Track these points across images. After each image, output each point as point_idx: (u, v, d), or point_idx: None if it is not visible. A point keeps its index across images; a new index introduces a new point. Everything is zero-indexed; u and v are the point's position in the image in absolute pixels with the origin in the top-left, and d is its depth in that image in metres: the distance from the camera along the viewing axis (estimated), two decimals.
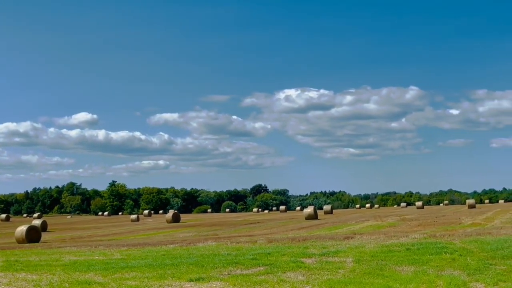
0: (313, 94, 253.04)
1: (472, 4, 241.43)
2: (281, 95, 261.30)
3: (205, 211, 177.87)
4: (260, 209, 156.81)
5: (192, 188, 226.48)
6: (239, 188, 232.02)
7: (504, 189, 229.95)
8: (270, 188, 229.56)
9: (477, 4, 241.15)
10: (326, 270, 14.12)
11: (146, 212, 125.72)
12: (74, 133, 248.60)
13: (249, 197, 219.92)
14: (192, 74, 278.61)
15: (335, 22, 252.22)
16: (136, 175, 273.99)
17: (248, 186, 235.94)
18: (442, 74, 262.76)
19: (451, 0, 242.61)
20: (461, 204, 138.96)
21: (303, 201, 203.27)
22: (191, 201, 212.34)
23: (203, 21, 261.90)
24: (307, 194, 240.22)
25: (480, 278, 12.33)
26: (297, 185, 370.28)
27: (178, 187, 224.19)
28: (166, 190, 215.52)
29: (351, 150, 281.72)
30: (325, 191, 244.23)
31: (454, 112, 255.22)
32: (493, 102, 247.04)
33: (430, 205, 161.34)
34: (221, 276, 13.64)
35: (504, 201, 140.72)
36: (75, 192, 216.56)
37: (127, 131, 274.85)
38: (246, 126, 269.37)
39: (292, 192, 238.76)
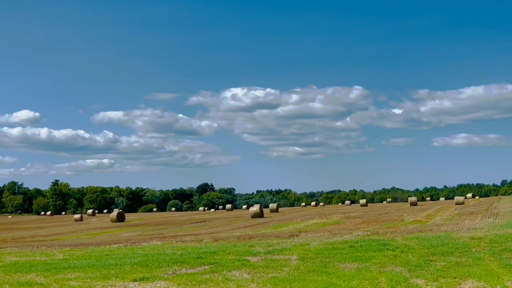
0: (259, 93, 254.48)
1: (413, 6, 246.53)
2: (228, 93, 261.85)
3: (151, 210, 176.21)
4: (206, 208, 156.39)
5: (138, 187, 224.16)
6: (185, 187, 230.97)
7: (445, 186, 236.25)
8: (217, 186, 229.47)
9: (418, 6, 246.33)
10: (271, 268, 14.19)
11: (90, 211, 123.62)
12: (15, 131, 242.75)
13: (195, 196, 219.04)
14: (137, 72, 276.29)
15: (281, 21, 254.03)
16: (79, 174, 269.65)
17: (194, 185, 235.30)
18: (386, 74, 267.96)
19: (394, 1, 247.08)
20: (404, 201, 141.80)
21: (250, 200, 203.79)
22: (136, 200, 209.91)
23: (148, 18, 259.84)
24: (253, 193, 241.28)
25: (420, 274, 12.62)
26: (244, 183, 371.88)
27: (123, 186, 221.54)
28: (111, 189, 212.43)
29: (297, 148, 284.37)
30: (271, 190, 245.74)
31: (397, 111, 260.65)
32: (435, 102, 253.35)
33: (374, 202, 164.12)
34: (165, 275, 13.55)
35: (445, 199, 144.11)
36: (16, 191, 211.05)
37: (71, 129, 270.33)
38: (192, 125, 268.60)
39: (238, 190, 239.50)
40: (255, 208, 63.28)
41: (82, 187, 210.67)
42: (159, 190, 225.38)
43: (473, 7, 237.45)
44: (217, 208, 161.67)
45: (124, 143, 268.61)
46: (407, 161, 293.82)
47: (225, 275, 13.27)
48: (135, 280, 12.90)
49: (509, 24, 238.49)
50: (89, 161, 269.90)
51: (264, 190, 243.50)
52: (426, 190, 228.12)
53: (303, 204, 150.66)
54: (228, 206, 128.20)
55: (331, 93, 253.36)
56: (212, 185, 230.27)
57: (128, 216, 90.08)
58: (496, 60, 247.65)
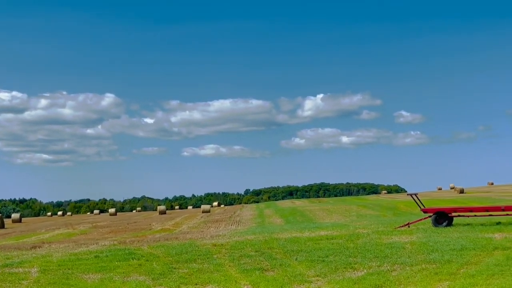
0: (4, 95, 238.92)
1: (165, 16, 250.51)
2: None
3: None
4: None
5: None
6: None
7: (193, 195, 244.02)
8: None
9: (170, 17, 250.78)
10: (8, 282, 13.36)
11: None
12: None
13: None
14: None
15: (30, 22, 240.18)
16: None
17: None
18: (138, 84, 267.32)
19: (146, 10, 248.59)
20: (153, 210, 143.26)
21: None
22: None
23: None
24: None
25: (163, 282, 12.84)
26: None
27: None
28: None
29: (44, 155, 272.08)
30: (15, 199, 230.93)
31: (149, 121, 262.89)
32: (185, 113, 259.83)
33: (124, 211, 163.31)
34: None
35: (193, 207, 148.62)
36: None
37: None
38: None
39: None
40: None
41: None
42: None
43: (228, 23, 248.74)
44: None
45: None
46: (158, 170, 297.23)
47: None
48: None
49: (257, 41, 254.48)
50: None
51: (7, 199, 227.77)
52: (176, 198, 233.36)
53: (49, 213, 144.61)
54: None
55: (83, 100, 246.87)
56: None
57: None
58: (242, 74, 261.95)
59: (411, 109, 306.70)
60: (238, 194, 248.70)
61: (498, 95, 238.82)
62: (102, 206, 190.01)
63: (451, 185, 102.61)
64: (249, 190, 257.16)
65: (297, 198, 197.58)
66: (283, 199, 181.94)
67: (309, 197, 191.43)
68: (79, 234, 38.05)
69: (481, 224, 21.77)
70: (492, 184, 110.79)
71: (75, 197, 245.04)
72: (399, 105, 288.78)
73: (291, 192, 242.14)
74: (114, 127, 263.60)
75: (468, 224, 22.17)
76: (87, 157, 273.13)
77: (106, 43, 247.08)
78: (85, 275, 14.28)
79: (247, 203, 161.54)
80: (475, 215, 23.06)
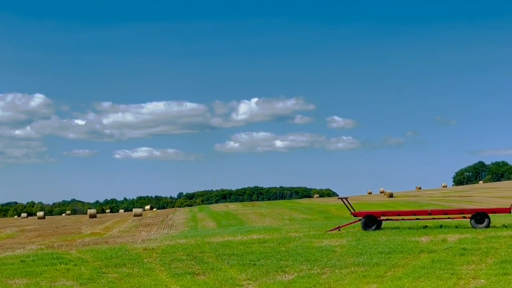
0: None
1: (105, 17, 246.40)
2: None
3: None
4: None
5: None
6: None
7: (125, 199, 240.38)
8: None
9: (110, 18, 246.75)
10: None
11: None
12: None
13: None
14: None
15: None
16: None
17: None
18: (69, 84, 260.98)
19: (97, 10, 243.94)
20: (83, 214, 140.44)
21: None
22: None
23: None
24: None
25: (92, 287, 12.62)
26: None
27: None
28: None
29: None
30: None
31: (80, 122, 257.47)
32: (117, 115, 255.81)
33: (53, 215, 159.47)
34: None
35: (124, 211, 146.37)
36: None
37: None
38: None
39: None
40: None
41: None
42: None
43: (162, 24, 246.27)
44: None
45: None
46: (89, 173, 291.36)
47: None
48: None
49: (191, 43, 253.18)
50: None
51: None
52: (107, 202, 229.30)
53: None
54: None
55: (11, 100, 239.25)
56: None
57: None
58: (176, 77, 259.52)
59: (343, 114, 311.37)
60: (171, 197, 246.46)
61: (427, 102, 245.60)
62: (30, 209, 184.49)
63: (381, 189, 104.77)
64: (182, 193, 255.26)
65: (230, 201, 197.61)
66: (216, 203, 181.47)
67: (243, 201, 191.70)
68: (5, 238, 36.96)
69: (409, 228, 22.31)
70: (420, 188, 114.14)
71: (1, 199, 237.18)
72: (332, 110, 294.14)
73: (224, 196, 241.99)
74: (43, 128, 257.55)
75: (396, 228, 22.68)
76: (15, 158, 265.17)
77: (36, 42, 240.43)
78: (10, 280, 13.89)
79: (180, 207, 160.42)
80: (403, 219, 23.66)
